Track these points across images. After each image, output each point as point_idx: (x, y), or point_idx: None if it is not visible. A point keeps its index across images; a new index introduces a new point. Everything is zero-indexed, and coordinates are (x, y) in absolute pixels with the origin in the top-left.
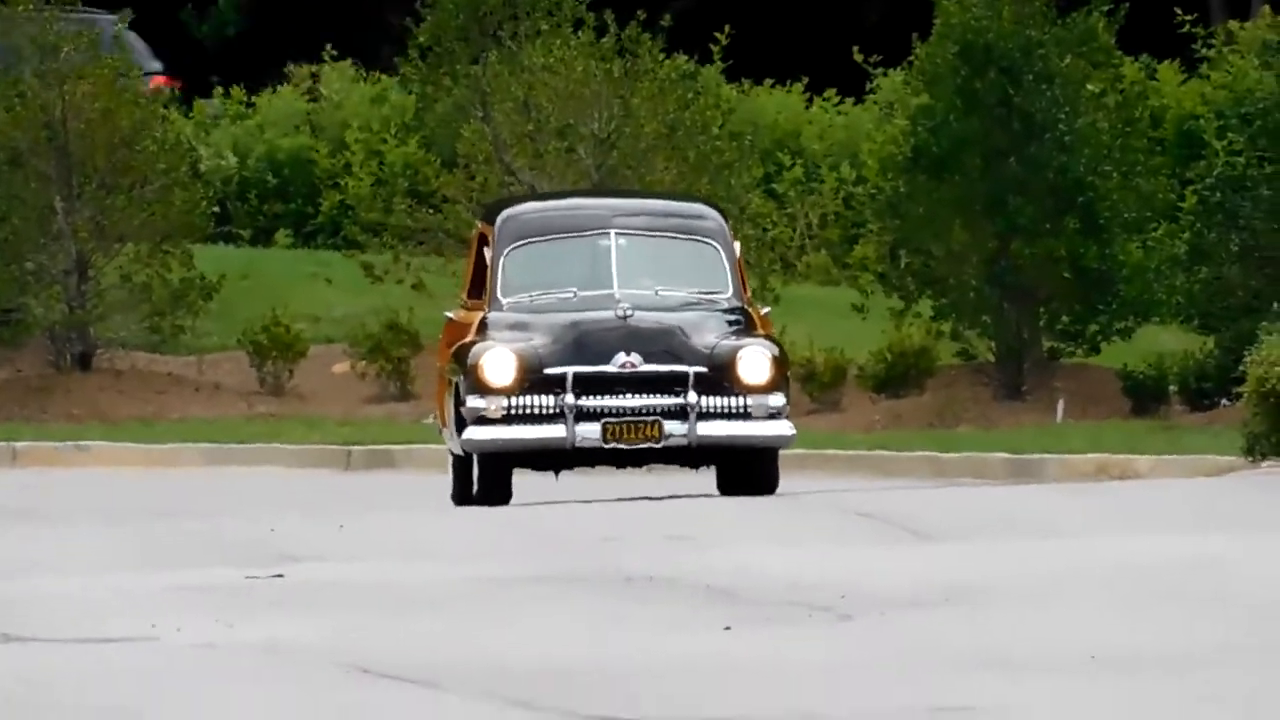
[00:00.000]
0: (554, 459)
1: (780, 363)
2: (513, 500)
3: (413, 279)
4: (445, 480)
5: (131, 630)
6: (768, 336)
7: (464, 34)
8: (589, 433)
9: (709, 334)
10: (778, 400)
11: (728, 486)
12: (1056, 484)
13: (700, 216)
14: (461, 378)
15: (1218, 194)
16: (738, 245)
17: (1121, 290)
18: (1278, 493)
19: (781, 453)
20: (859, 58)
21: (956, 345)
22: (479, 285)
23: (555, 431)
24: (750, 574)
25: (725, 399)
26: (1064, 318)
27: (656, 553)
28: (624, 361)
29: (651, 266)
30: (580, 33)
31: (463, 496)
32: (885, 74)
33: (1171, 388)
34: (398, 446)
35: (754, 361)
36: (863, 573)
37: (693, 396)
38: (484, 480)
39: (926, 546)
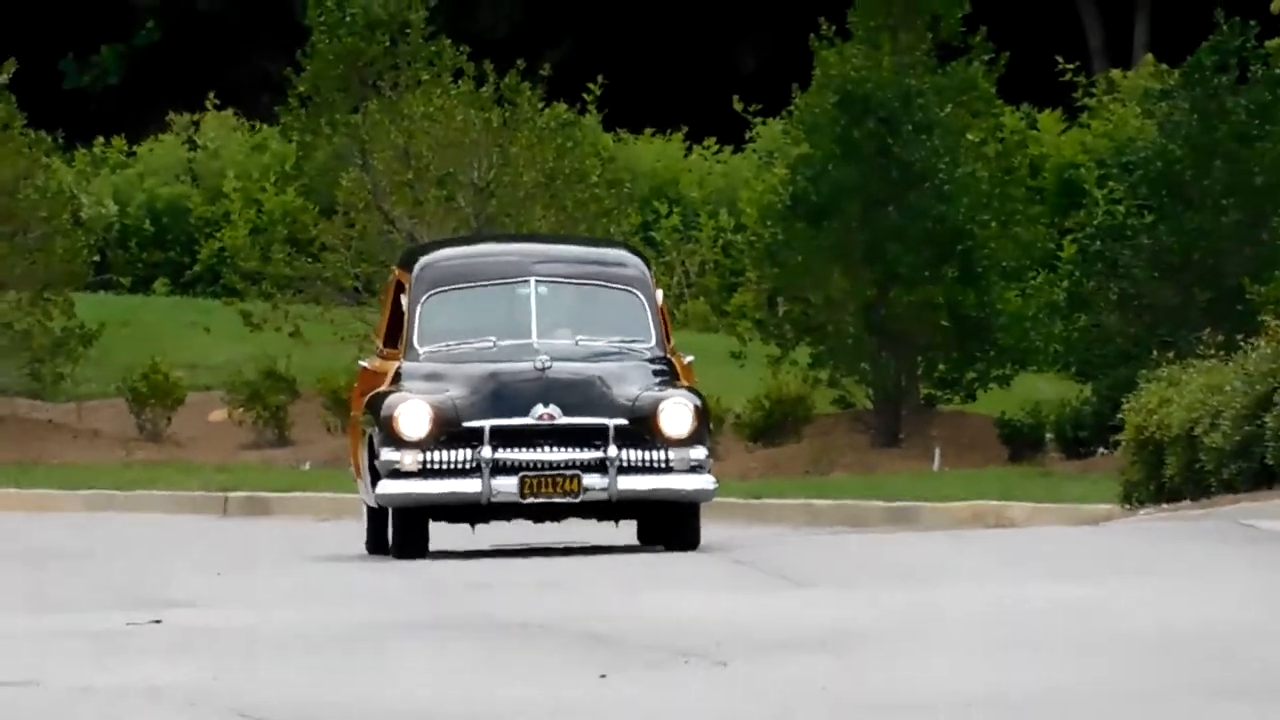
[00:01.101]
0: (470, 513)
1: (702, 415)
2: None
3: (291, 327)
4: (317, 528)
5: (11, 674)
6: (690, 388)
7: (344, 83)
8: (506, 487)
9: (630, 385)
10: (699, 453)
11: (648, 539)
12: (933, 531)
13: (622, 264)
14: (376, 429)
15: (1097, 242)
16: (660, 293)
17: (999, 338)
18: (1154, 541)
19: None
20: (738, 106)
21: (834, 392)
22: (395, 333)
23: (471, 486)
24: (625, 620)
25: (646, 452)
26: (941, 365)
27: (531, 599)
28: (542, 414)
29: (572, 315)
30: (460, 82)
31: (376, 545)
32: (764, 123)
33: (1048, 435)
34: (274, 494)
35: (675, 414)
36: (739, 619)
37: (613, 450)
38: (399, 534)
39: (803, 593)
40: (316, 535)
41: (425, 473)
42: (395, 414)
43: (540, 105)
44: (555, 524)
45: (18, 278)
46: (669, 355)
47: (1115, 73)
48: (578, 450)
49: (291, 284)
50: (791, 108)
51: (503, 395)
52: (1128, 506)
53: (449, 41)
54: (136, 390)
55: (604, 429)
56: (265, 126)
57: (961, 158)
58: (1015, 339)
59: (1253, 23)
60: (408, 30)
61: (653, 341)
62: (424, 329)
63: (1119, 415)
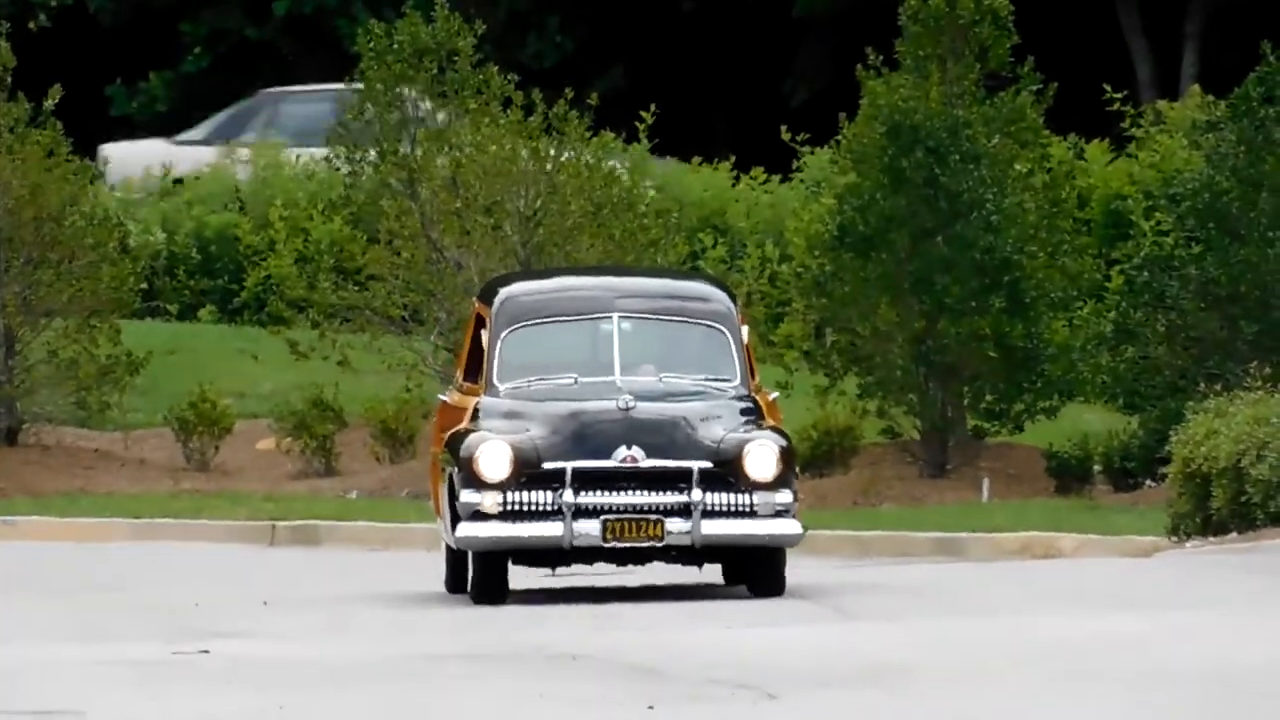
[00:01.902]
0: (551, 557)
1: (788, 457)
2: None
3: (338, 355)
4: (365, 558)
5: (60, 703)
6: (775, 428)
7: (392, 111)
8: (588, 530)
9: (715, 426)
10: (785, 497)
11: (733, 581)
12: (982, 562)
13: (706, 298)
14: (455, 469)
15: (1145, 274)
16: (745, 329)
17: (1046, 369)
18: (1202, 573)
19: None
20: (786, 136)
21: (882, 423)
22: (474, 367)
23: (552, 530)
24: (673, 652)
25: (731, 496)
26: (989, 396)
27: (580, 631)
28: (625, 456)
29: (655, 351)
30: (508, 111)
31: (456, 585)
32: (812, 152)
33: (1096, 467)
34: (322, 522)
35: (761, 457)
36: (788, 651)
37: (696, 494)
38: (479, 577)
39: (852, 625)
40: (365, 565)
41: (506, 515)
42: (476, 454)
43: (588, 134)
44: (638, 567)
45: (65, 305)
46: (754, 394)
47: (1162, 104)
48: (661, 494)
49: (338, 313)
50: (839, 138)
51: (585, 436)
52: (1175, 539)
53: (496, 70)
54: (184, 419)
55: (688, 472)
56: (312, 154)
57: (1009, 188)
58: (1063, 370)
59: None
60: (456, 58)
61: (738, 379)
62: (504, 365)
63: (1166, 447)
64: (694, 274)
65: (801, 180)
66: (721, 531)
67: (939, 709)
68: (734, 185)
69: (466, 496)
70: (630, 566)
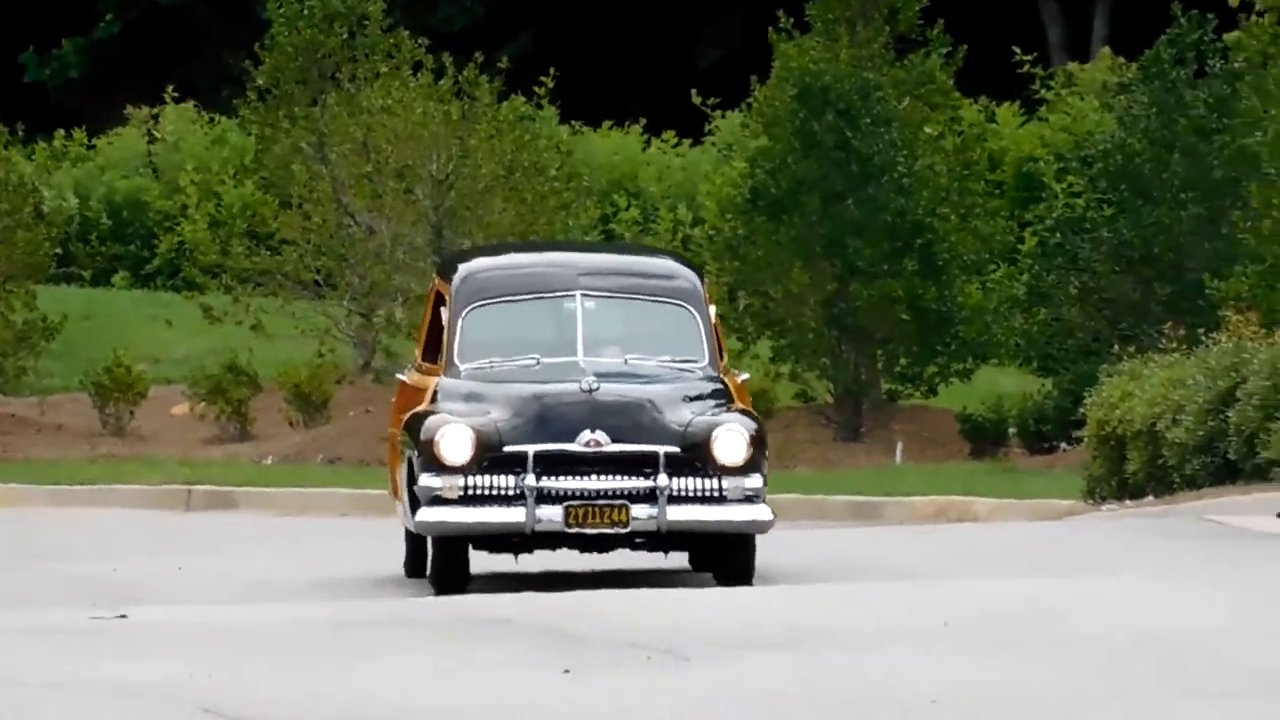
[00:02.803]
0: (513, 542)
1: (758, 441)
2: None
3: (251, 320)
4: (280, 522)
5: None
6: (745, 411)
7: (303, 76)
8: (551, 516)
9: (682, 409)
10: (754, 482)
11: (701, 568)
12: (896, 526)
13: (672, 276)
14: (415, 452)
15: (1057, 236)
16: (713, 308)
17: (960, 332)
18: (1118, 536)
19: None
20: (697, 99)
21: (795, 387)
22: (433, 345)
23: (514, 515)
24: (589, 617)
25: (698, 481)
26: (902, 359)
27: (501, 597)
28: (589, 440)
29: (620, 331)
30: (419, 75)
31: (415, 569)
32: (723, 116)
33: (1010, 430)
34: (237, 488)
35: (730, 441)
36: (705, 616)
37: (663, 479)
38: (439, 563)
39: (768, 589)
40: (281, 530)
41: (466, 500)
42: (436, 438)
43: (498, 98)
44: (601, 554)
45: None
46: (722, 375)
47: (1073, 66)
48: (626, 479)
49: (251, 277)
50: (750, 101)
51: (548, 419)
52: (1090, 502)
53: (407, 34)
54: (99, 384)
55: (654, 456)
56: (224, 119)
57: (920, 151)
58: (976, 333)
59: (1211, 16)
60: (366, 22)
61: (705, 360)
62: (465, 344)
63: (1081, 410)
64: (659, 251)
65: (713, 144)
66: (688, 517)
67: (852, 672)
68: (645, 149)
69: (426, 480)
70: (594, 553)
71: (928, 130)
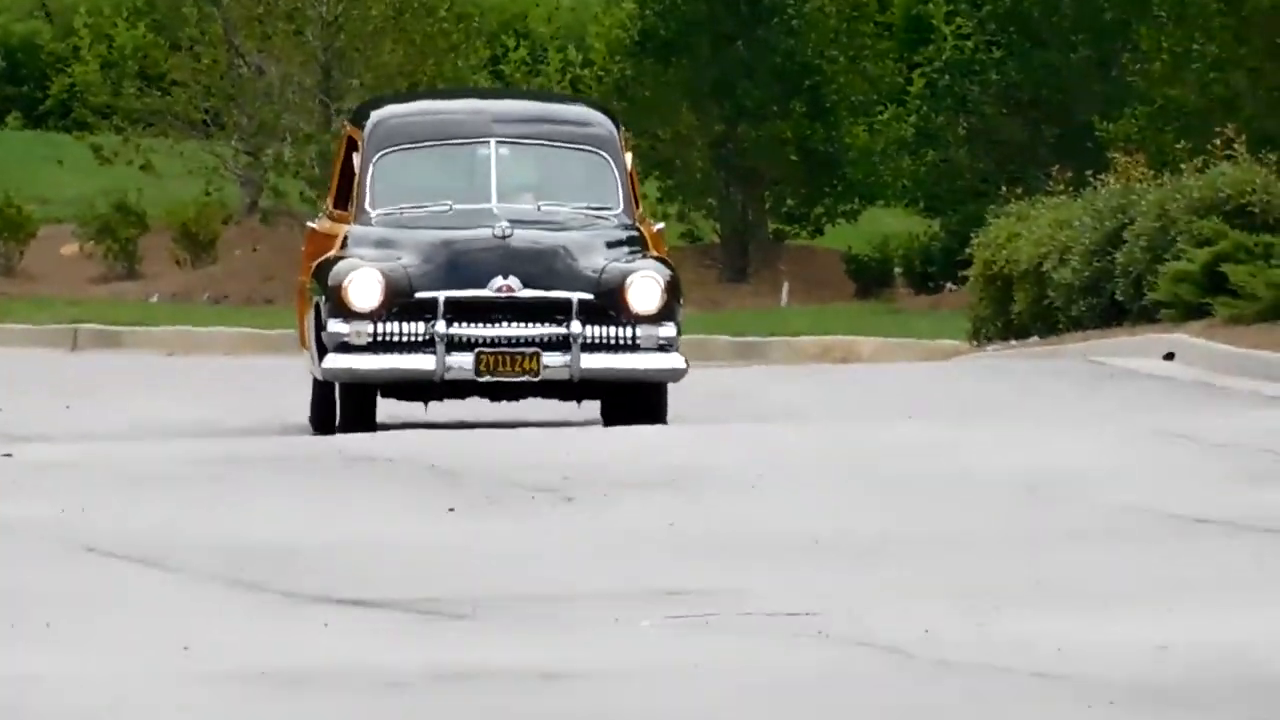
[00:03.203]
0: (422, 390)
1: (673, 289)
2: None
3: (141, 160)
4: (166, 361)
5: None
6: (660, 259)
7: None
8: (461, 363)
9: (596, 256)
10: (668, 331)
11: (612, 420)
12: (781, 366)
13: (587, 123)
14: (323, 298)
15: (946, 78)
16: (629, 156)
17: (847, 173)
18: (1002, 377)
19: None
20: None
21: (682, 227)
22: (345, 193)
23: (424, 362)
24: (473, 456)
25: (612, 329)
26: (789, 200)
27: (384, 437)
28: (501, 285)
29: (535, 178)
30: None
31: (322, 423)
32: None
33: (896, 271)
34: (124, 327)
35: (644, 288)
36: (586, 455)
37: (576, 326)
38: (346, 410)
39: (651, 430)
40: (167, 369)
41: (375, 346)
42: (344, 283)
43: None
44: (513, 403)
45: None
46: (638, 223)
47: None
48: (538, 325)
49: (142, 118)
50: None
51: (459, 265)
52: (976, 343)
53: None
54: None
55: (567, 303)
56: None
57: None
58: (863, 174)
59: None
60: None
61: (620, 208)
62: (376, 190)
63: (967, 251)
64: (575, 98)
65: None
66: (601, 365)
67: (735, 513)
68: None
69: (334, 326)
70: (505, 402)
71: None
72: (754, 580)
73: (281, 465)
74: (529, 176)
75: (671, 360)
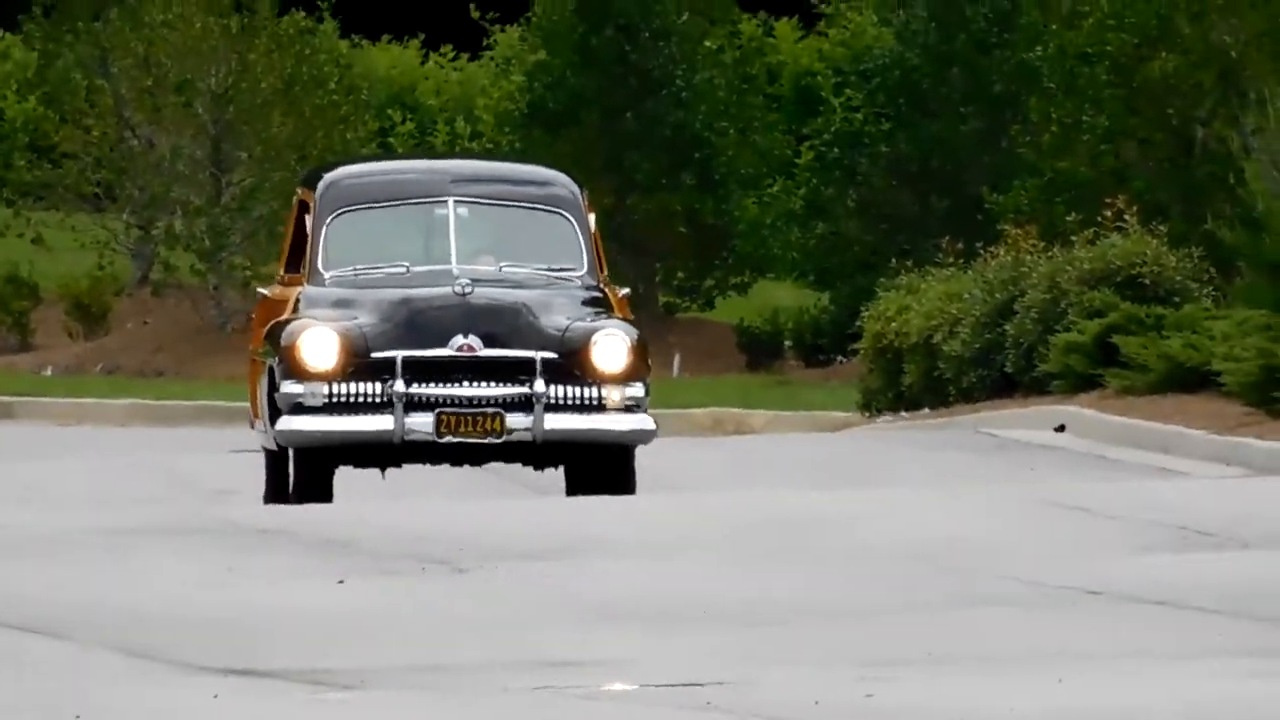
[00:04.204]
0: (381, 454)
1: (640, 349)
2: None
3: (33, 234)
4: (58, 432)
5: None
6: (626, 319)
7: None
8: (420, 425)
9: (559, 315)
10: (636, 390)
11: (577, 488)
12: (674, 438)
13: (549, 183)
14: (276, 360)
15: (835, 150)
16: (593, 217)
17: (737, 245)
18: (894, 448)
19: None
20: (475, 14)
21: None
22: (297, 259)
23: (382, 423)
24: (367, 527)
25: (577, 389)
26: (680, 272)
27: (275, 507)
28: (462, 344)
29: (495, 239)
30: None
31: (276, 495)
32: (502, 30)
33: (787, 343)
34: (16, 398)
35: (610, 347)
36: (480, 527)
37: (540, 385)
38: (301, 478)
39: (543, 501)
40: (60, 439)
41: (331, 408)
42: (297, 342)
43: (278, 12)
44: (475, 468)
45: None
46: (602, 285)
47: None
48: (500, 386)
49: (33, 191)
50: (529, 15)
51: (418, 323)
52: (866, 414)
53: None
54: None
55: (530, 362)
56: (8, 35)
57: (699, 65)
58: (753, 246)
59: None
60: None
61: (584, 269)
62: (329, 252)
63: (858, 323)
64: (536, 160)
65: (491, 58)
66: (566, 426)
67: (628, 581)
68: (424, 63)
69: (288, 388)
70: (466, 466)
71: (707, 44)
72: (643, 650)
73: (173, 535)
74: (489, 238)
75: (640, 421)
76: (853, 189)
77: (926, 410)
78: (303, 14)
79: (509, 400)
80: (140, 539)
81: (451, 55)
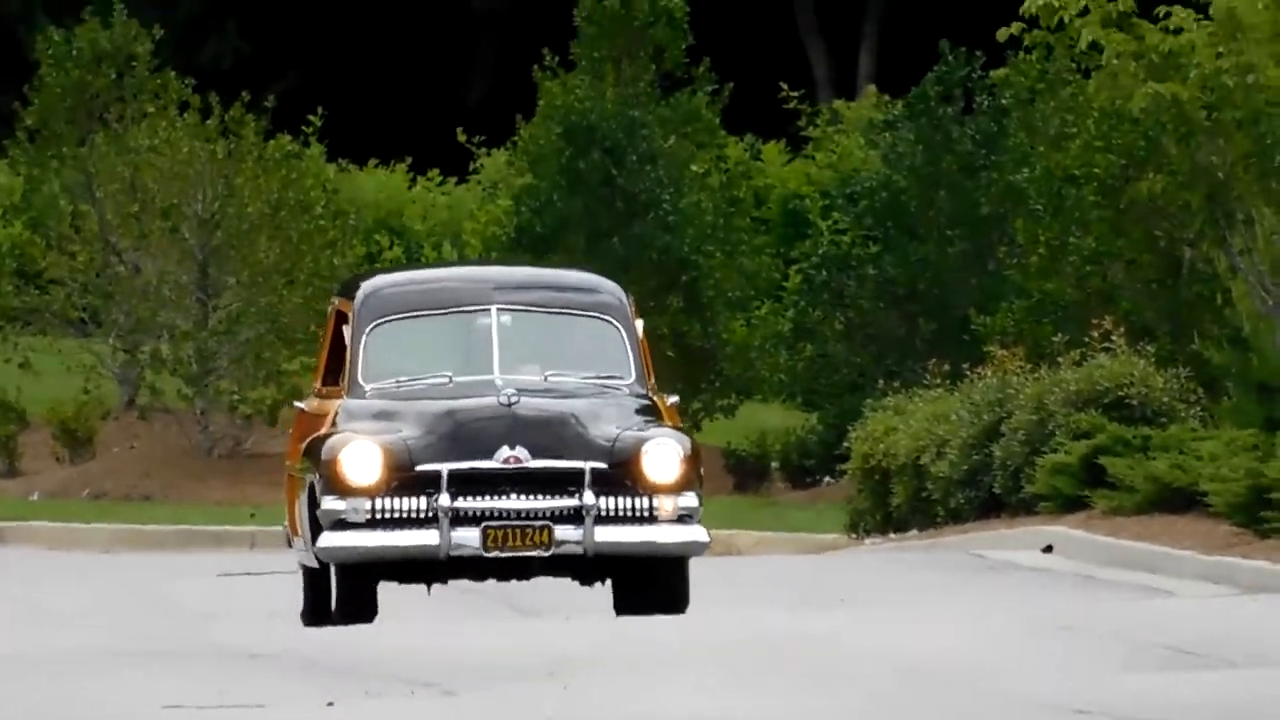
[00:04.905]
0: (426, 570)
1: (693, 458)
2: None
3: (20, 358)
4: (47, 556)
5: None
6: (676, 428)
7: (71, 116)
8: (467, 539)
9: (608, 424)
10: (689, 501)
11: (627, 603)
12: None
13: (595, 289)
14: (317, 476)
15: (823, 272)
16: (640, 324)
17: (725, 368)
18: (882, 569)
19: None
20: (462, 137)
21: None
22: (334, 370)
23: (427, 538)
24: (352, 649)
25: (628, 499)
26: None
27: (259, 628)
28: (508, 456)
29: (539, 348)
30: (186, 114)
31: (316, 614)
32: (489, 154)
33: (774, 465)
34: (4, 523)
35: (662, 456)
36: (467, 648)
37: (589, 497)
38: (343, 595)
39: (530, 622)
40: (47, 563)
41: (374, 523)
42: (339, 457)
43: (264, 137)
44: (523, 582)
45: None
46: (650, 393)
47: (839, 103)
48: (549, 498)
49: (20, 316)
50: (516, 139)
51: (463, 435)
52: (854, 535)
53: (174, 74)
54: None
55: (579, 473)
56: None
57: (686, 188)
58: (741, 369)
59: (978, 53)
60: (134, 63)
61: (632, 377)
62: (369, 363)
63: (845, 444)
64: (580, 266)
65: (478, 182)
66: (618, 539)
67: (615, 701)
68: (411, 187)
69: (330, 504)
70: (514, 580)
71: (694, 168)
72: None
73: (158, 660)
74: (534, 346)
75: (694, 533)
76: (840, 311)
77: (914, 531)
78: (289, 138)
79: (558, 513)
80: (122, 660)
81: (439, 179)
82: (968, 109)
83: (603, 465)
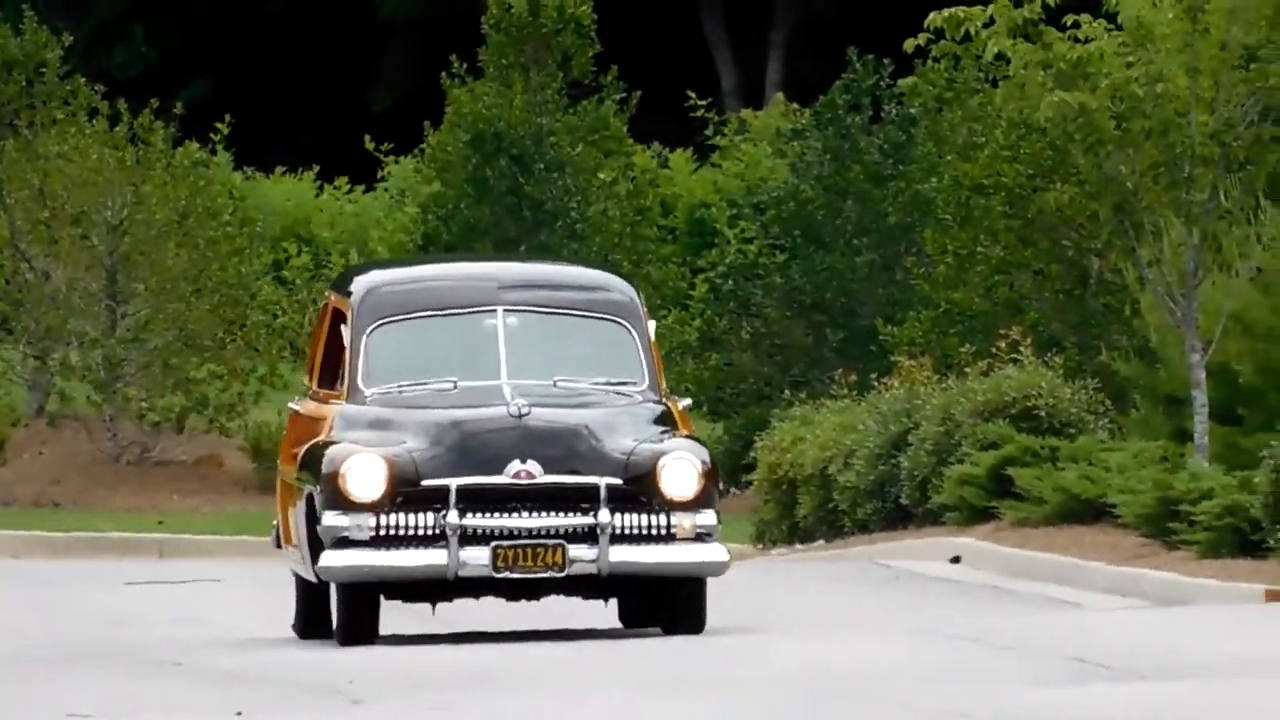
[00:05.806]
0: (432, 590)
1: (711, 472)
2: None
3: None
4: None
5: None
6: (692, 438)
7: None
8: (476, 559)
9: (623, 436)
10: (707, 518)
11: (636, 619)
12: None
13: (606, 288)
14: (317, 488)
15: (730, 281)
16: (652, 325)
17: None
18: (788, 580)
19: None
20: (370, 145)
21: None
22: (331, 371)
23: (434, 558)
24: (263, 659)
25: (644, 517)
26: None
27: (167, 636)
28: (519, 471)
29: (549, 351)
30: (95, 121)
31: (309, 627)
32: (396, 161)
33: None
34: None
35: (680, 471)
36: (376, 659)
37: (604, 515)
38: (345, 615)
39: (448, 639)
40: None
41: (378, 541)
42: (341, 470)
43: (173, 144)
44: (533, 602)
45: None
46: (664, 399)
47: (746, 112)
48: (562, 515)
49: None
50: (424, 146)
51: (471, 448)
52: (760, 546)
53: (84, 81)
54: None
55: (594, 489)
56: None
57: (593, 197)
58: None
59: (887, 62)
60: (44, 70)
61: (645, 383)
62: (371, 367)
63: (751, 454)
64: (590, 263)
65: (386, 189)
66: (634, 559)
67: (524, 714)
68: (318, 195)
69: (331, 520)
70: (524, 601)
71: (601, 176)
72: None
73: (66, 666)
74: (542, 349)
75: (712, 552)
76: (747, 320)
77: (821, 542)
78: (197, 146)
79: (571, 531)
80: (35, 668)
81: (346, 187)
82: (875, 118)
83: (618, 481)
